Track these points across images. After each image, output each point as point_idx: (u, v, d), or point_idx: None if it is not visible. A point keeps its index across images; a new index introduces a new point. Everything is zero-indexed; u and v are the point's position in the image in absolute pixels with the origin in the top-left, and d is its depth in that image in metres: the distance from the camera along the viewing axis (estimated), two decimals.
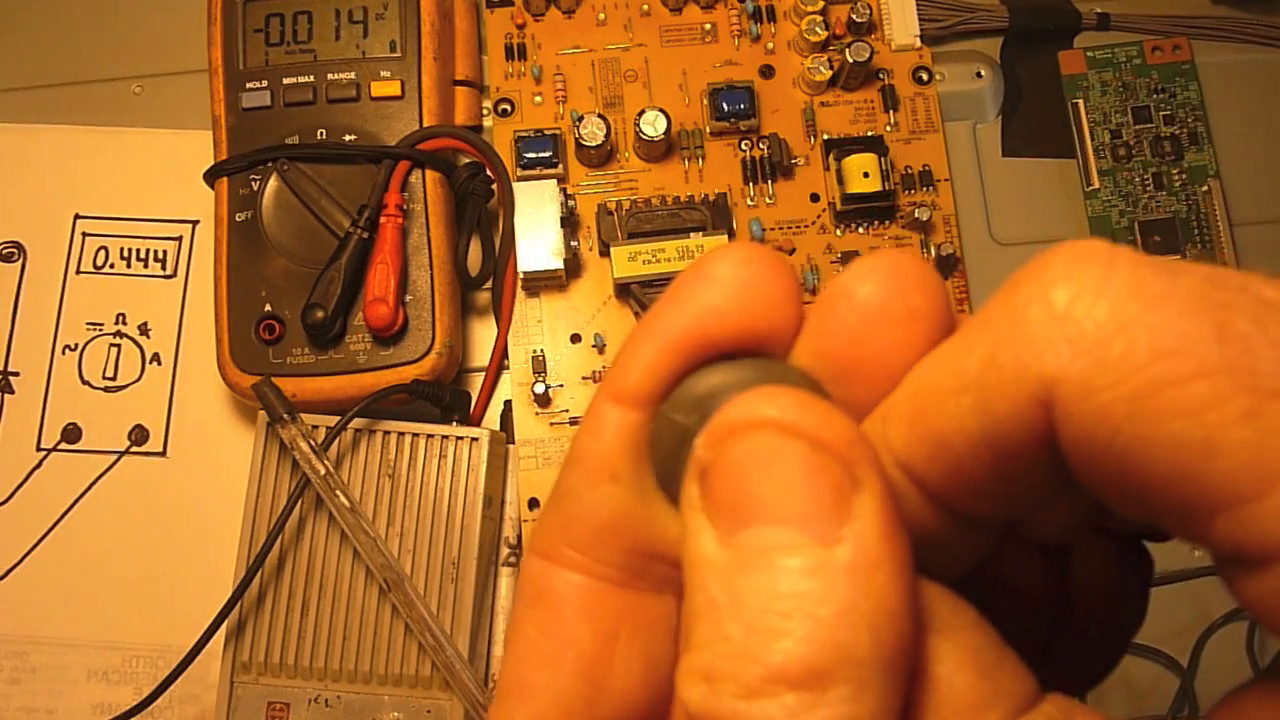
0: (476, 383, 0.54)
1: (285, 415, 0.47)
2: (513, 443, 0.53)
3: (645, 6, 0.58)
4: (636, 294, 0.53)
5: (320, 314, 0.49)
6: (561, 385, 0.54)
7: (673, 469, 0.18)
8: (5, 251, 0.57)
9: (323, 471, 0.47)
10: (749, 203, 0.56)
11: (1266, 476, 0.13)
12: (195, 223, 0.57)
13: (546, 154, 0.55)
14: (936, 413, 0.16)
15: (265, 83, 0.53)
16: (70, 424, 0.54)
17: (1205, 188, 0.57)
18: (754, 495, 0.16)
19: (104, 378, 0.55)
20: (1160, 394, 0.14)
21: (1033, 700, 0.16)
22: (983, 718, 0.15)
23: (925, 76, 0.57)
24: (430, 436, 0.50)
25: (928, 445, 0.16)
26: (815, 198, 0.56)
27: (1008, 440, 0.15)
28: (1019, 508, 0.17)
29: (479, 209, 0.54)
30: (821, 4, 0.56)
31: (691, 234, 0.53)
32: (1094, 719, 0.15)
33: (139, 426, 0.54)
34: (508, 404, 0.54)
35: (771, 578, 0.15)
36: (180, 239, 0.57)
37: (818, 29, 0.56)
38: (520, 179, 0.54)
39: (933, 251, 0.55)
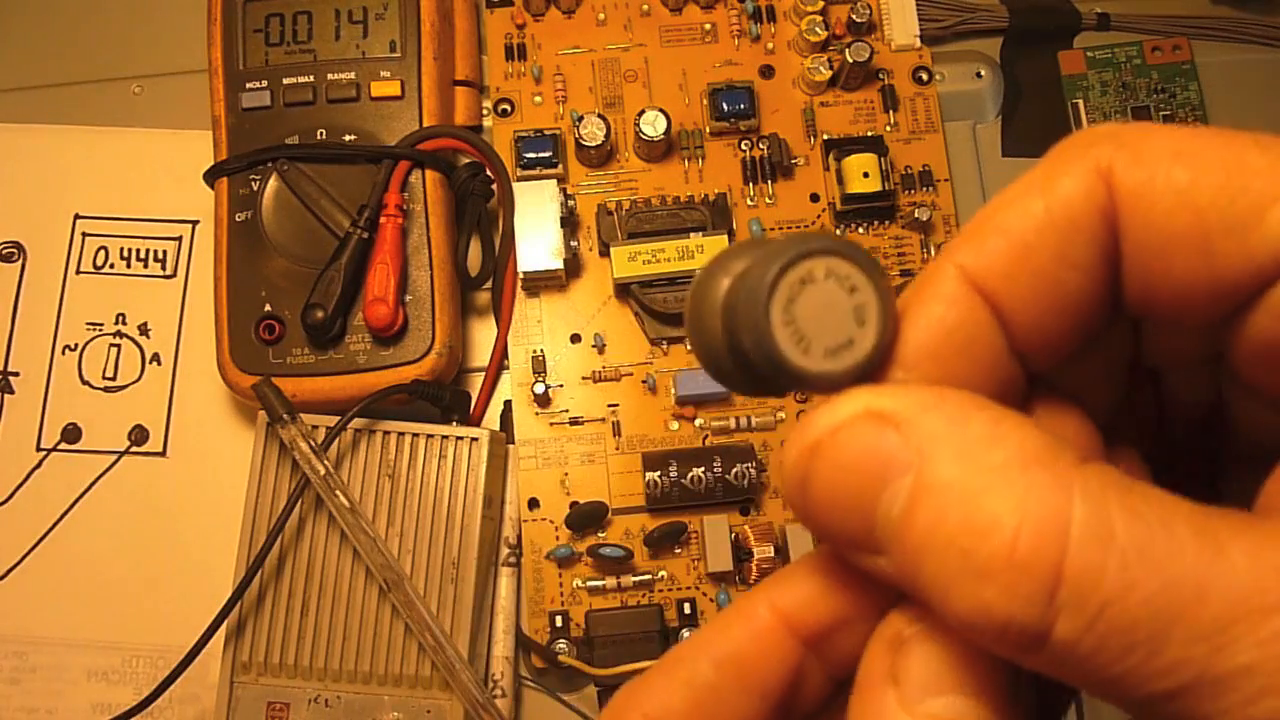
0: (476, 383, 0.54)
1: (285, 415, 0.47)
2: (513, 443, 0.53)
3: (645, 6, 0.58)
4: (636, 294, 0.53)
5: (320, 314, 0.49)
6: (561, 385, 0.54)
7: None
8: (5, 251, 0.57)
9: (323, 471, 0.47)
10: (749, 203, 0.56)
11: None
12: (195, 223, 0.57)
13: (546, 154, 0.55)
14: (1015, 220, 0.18)
15: (265, 83, 0.53)
16: (70, 424, 0.54)
17: None
18: (947, 671, 0.17)
19: (104, 378, 0.55)
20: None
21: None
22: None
23: (925, 76, 0.58)
24: (430, 436, 0.50)
25: (1005, 262, 0.18)
26: (815, 198, 0.56)
27: (1072, 217, 0.18)
28: (1081, 325, 0.19)
29: (479, 209, 0.54)
30: (821, 4, 0.57)
31: (691, 234, 0.53)
32: (1143, 488, 0.16)
33: (139, 426, 0.54)
34: (508, 404, 0.54)
35: None
36: (180, 239, 0.57)
37: (818, 29, 0.56)
38: (520, 179, 0.54)
39: (933, 251, 0.55)
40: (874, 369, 0.19)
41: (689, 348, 0.21)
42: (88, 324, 0.56)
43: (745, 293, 0.19)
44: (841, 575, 0.20)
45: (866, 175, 0.54)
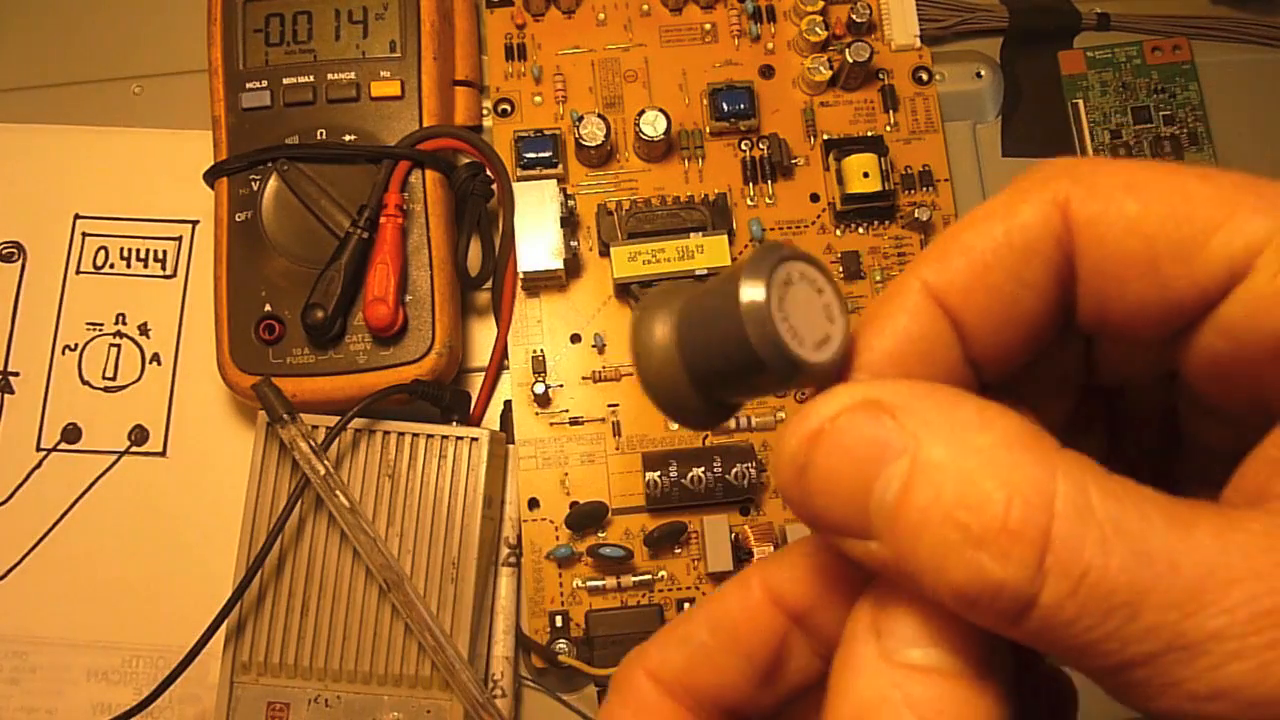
0: (476, 383, 0.54)
1: (285, 415, 0.47)
2: (513, 443, 0.53)
3: (645, 6, 0.58)
4: (636, 294, 0.53)
5: (320, 314, 0.49)
6: (561, 385, 0.54)
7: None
8: (5, 251, 0.57)
9: (323, 471, 0.47)
10: (749, 203, 0.56)
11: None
12: (195, 223, 0.57)
13: (546, 154, 0.55)
14: (976, 240, 0.20)
15: (265, 83, 0.53)
16: (70, 424, 0.54)
17: None
18: (929, 624, 0.19)
19: (104, 378, 0.55)
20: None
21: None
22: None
23: (925, 76, 0.58)
24: (430, 436, 0.50)
25: (966, 277, 0.20)
26: (815, 198, 0.56)
27: (1028, 242, 0.20)
28: (1034, 334, 0.21)
29: (479, 209, 0.54)
30: (821, 4, 0.56)
31: (691, 234, 0.53)
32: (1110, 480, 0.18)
33: (139, 426, 0.54)
34: (508, 404, 0.54)
35: (930, 689, 0.18)
36: (180, 239, 0.57)
37: (818, 29, 0.56)
38: (520, 179, 0.54)
39: None
40: (848, 361, 0.21)
41: (643, 391, 0.23)
42: (88, 324, 0.56)
43: (732, 303, 0.20)
44: (828, 560, 0.22)
45: (866, 175, 0.54)
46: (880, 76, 0.57)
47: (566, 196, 0.53)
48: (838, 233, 0.56)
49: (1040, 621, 0.17)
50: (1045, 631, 0.17)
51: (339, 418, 0.48)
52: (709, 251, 0.52)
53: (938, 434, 0.18)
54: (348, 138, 0.52)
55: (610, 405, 0.53)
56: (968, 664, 0.18)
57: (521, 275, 0.53)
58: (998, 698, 0.18)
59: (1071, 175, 0.20)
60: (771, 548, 0.50)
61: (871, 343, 0.21)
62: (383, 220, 0.50)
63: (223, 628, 0.47)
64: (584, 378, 0.54)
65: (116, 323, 0.56)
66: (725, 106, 0.55)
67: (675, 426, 0.53)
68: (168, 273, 0.56)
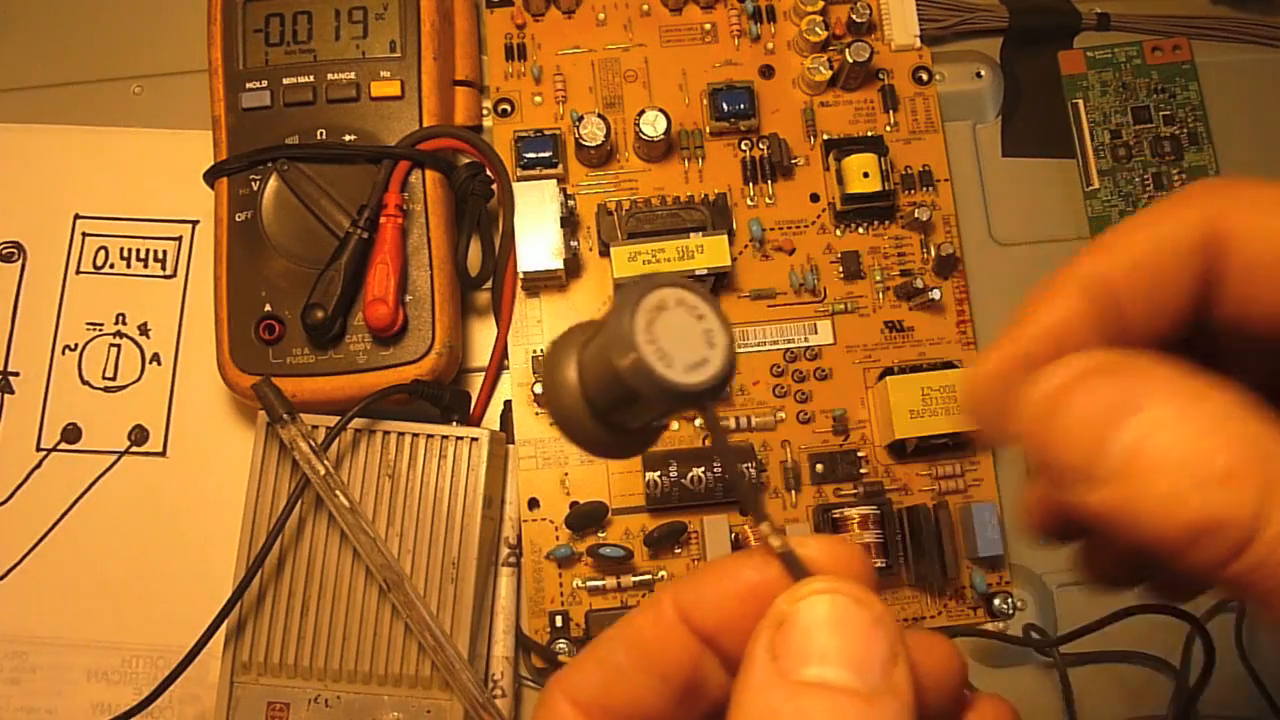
0: (476, 383, 0.54)
1: (285, 415, 0.47)
2: (513, 443, 0.53)
3: (645, 6, 0.58)
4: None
5: (320, 314, 0.49)
6: None
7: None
8: (5, 251, 0.57)
9: (323, 471, 0.47)
10: (749, 203, 0.56)
11: None
12: (195, 223, 0.57)
13: (546, 154, 0.55)
14: (1141, 243, 0.25)
15: (265, 83, 0.53)
16: (70, 424, 0.54)
17: None
18: (822, 642, 0.20)
19: (104, 378, 0.55)
20: None
21: None
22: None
23: (925, 76, 0.58)
24: (430, 436, 0.50)
25: (1130, 269, 0.25)
26: (815, 198, 0.56)
27: (1177, 242, 0.24)
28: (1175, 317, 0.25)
29: (479, 209, 0.54)
30: (821, 4, 0.56)
31: (691, 234, 0.53)
32: None
33: (139, 426, 0.54)
34: (508, 404, 0.54)
35: (821, 703, 0.19)
36: (180, 239, 0.57)
37: (818, 29, 0.56)
38: (520, 179, 0.54)
39: (933, 251, 0.55)
40: (725, 383, 0.22)
41: (554, 425, 0.25)
42: (88, 324, 0.56)
43: (608, 333, 0.22)
44: (736, 583, 0.23)
45: (866, 175, 0.54)
46: (880, 76, 0.57)
47: (566, 196, 0.53)
48: (838, 233, 0.56)
49: (1255, 558, 0.19)
50: (1256, 569, 0.19)
51: (339, 418, 0.48)
52: (709, 252, 0.52)
53: (1169, 398, 0.20)
54: (348, 138, 0.52)
55: None
56: (865, 681, 0.20)
57: (521, 275, 0.53)
58: (897, 716, 0.20)
59: (1228, 193, 0.24)
60: None
61: (1038, 318, 0.24)
62: (383, 220, 0.50)
63: (223, 628, 0.47)
64: None
65: (116, 323, 0.56)
66: (725, 106, 0.55)
67: (676, 426, 0.53)
68: (168, 273, 0.56)
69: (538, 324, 0.54)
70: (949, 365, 0.53)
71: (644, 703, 0.23)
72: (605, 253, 0.54)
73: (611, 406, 0.23)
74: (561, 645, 0.50)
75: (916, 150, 0.57)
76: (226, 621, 0.47)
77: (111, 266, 0.56)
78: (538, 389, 0.53)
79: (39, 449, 0.54)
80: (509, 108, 0.57)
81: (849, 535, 0.51)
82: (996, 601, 0.52)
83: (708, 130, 0.56)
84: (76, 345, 0.55)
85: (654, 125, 0.54)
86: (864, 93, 0.57)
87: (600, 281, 0.55)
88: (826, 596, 0.21)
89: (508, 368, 0.54)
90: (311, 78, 0.53)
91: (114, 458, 0.54)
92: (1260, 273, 0.24)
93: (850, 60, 0.55)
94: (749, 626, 0.22)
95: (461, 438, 0.50)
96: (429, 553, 0.48)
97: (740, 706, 0.20)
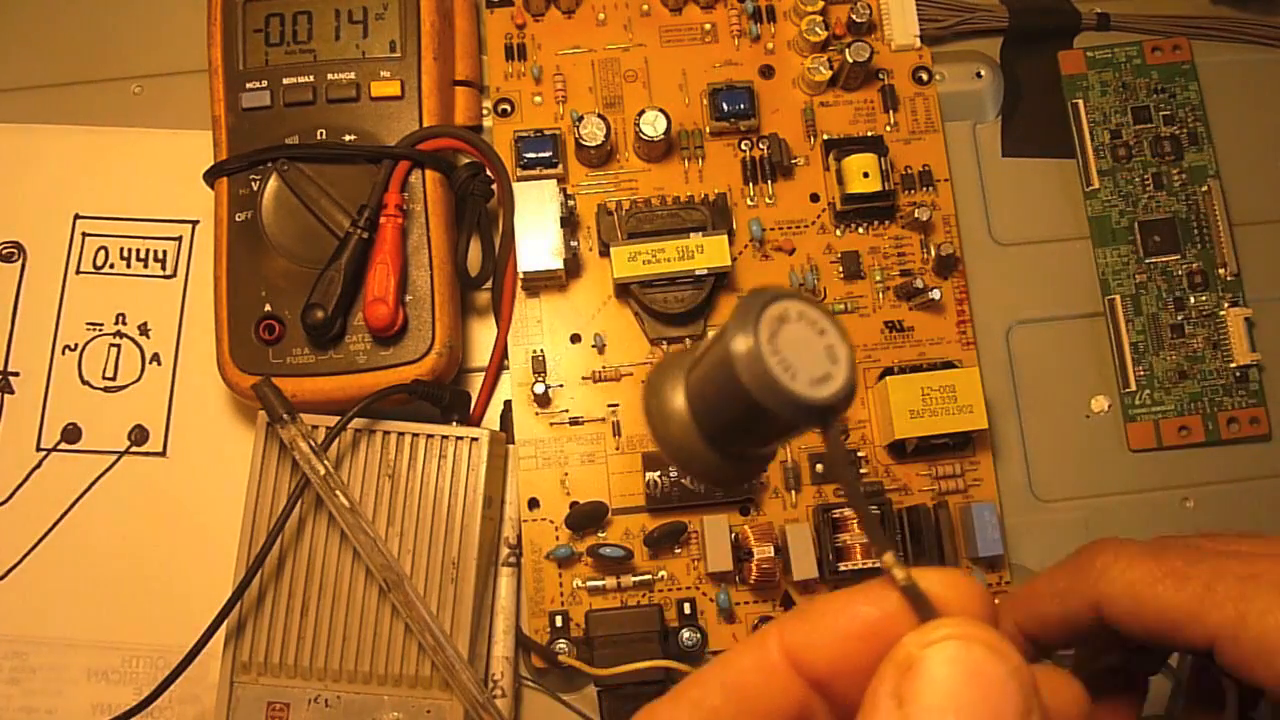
0: (476, 383, 0.54)
1: (285, 415, 0.47)
2: (513, 443, 0.53)
3: (645, 6, 0.58)
4: (636, 294, 0.53)
5: (320, 314, 0.49)
6: (561, 385, 0.54)
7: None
8: (5, 251, 0.57)
9: (323, 471, 0.47)
10: (749, 203, 0.56)
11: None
12: (195, 223, 0.57)
13: (546, 154, 0.55)
14: (1042, 601, 0.32)
15: (265, 83, 0.53)
16: (70, 424, 0.54)
17: (1205, 188, 0.57)
18: (955, 695, 0.18)
19: (104, 378, 0.55)
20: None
21: None
22: None
23: (925, 76, 0.57)
24: (430, 436, 0.50)
25: (1035, 619, 0.33)
26: (815, 198, 0.56)
27: (1077, 613, 0.31)
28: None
29: (479, 209, 0.54)
30: (821, 4, 0.56)
31: (691, 234, 0.53)
32: None
33: (139, 426, 0.54)
34: (508, 404, 0.54)
35: None
36: (180, 239, 0.57)
37: (818, 29, 0.56)
38: (520, 179, 0.54)
39: (933, 251, 0.55)
40: (850, 399, 0.21)
41: (664, 456, 0.24)
42: (88, 324, 0.56)
43: (725, 348, 0.20)
44: (855, 620, 0.21)
45: (866, 175, 0.54)
46: (880, 76, 0.57)
47: (566, 196, 0.53)
48: (838, 233, 0.56)
49: None
50: None
51: (339, 418, 0.48)
52: (709, 251, 0.52)
53: None
54: (348, 138, 0.52)
55: (610, 405, 0.53)
56: None
57: (521, 275, 0.53)
58: None
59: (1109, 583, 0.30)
60: (771, 548, 0.50)
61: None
62: (383, 220, 0.50)
63: (223, 628, 0.47)
64: (584, 378, 0.54)
65: (116, 323, 0.56)
66: (725, 106, 0.55)
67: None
68: (168, 273, 0.56)
69: (538, 324, 0.54)
70: (949, 365, 0.53)
71: None
72: (605, 253, 0.54)
73: (728, 430, 0.22)
74: (561, 645, 0.50)
75: (916, 150, 0.57)
76: (226, 621, 0.47)
77: (111, 266, 0.56)
78: (538, 389, 0.53)
79: (39, 449, 0.54)
80: (509, 108, 0.57)
81: (849, 535, 0.51)
82: (997, 601, 0.52)
83: (708, 130, 0.56)
84: (76, 345, 0.55)
85: (654, 125, 0.54)
86: (864, 93, 0.57)
87: (600, 281, 0.55)
88: (959, 642, 0.19)
89: (508, 368, 0.54)
90: (311, 78, 0.53)
91: (114, 458, 0.54)
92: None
93: (850, 60, 0.55)
94: (867, 670, 0.20)
95: (461, 438, 0.50)
96: (429, 553, 0.48)
97: None
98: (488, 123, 0.57)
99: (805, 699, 0.21)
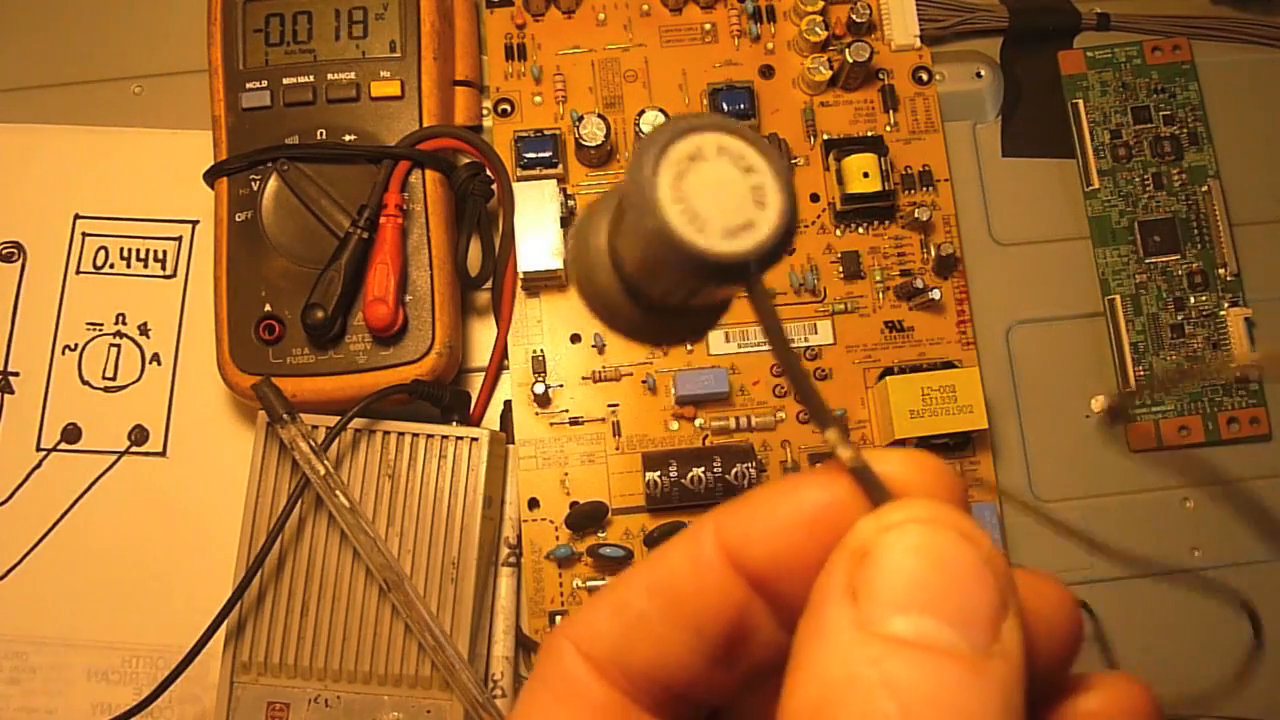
0: (476, 383, 0.54)
1: (285, 415, 0.47)
2: (513, 443, 0.53)
3: (645, 6, 0.58)
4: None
5: (320, 314, 0.49)
6: (561, 385, 0.54)
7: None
8: (5, 251, 0.57)
9: (323, 471, 0.47)
10: None
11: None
12: (195, 223, 0.57)
13: (546, 154, 0.55)
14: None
15: (265, 83, 0.53)
16: (70, 424, 0.54)
17: (1205, 188, 0.57)
18: (918, 585, 0.15)
19: (104, 378, 0.55)
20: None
21: None
22: None
23: (925, 76, 0.57)
24: (430, 436, 0.50)
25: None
26: (815, 198, 0.56)
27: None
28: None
29: (479, 209, 0.54)
30: (821, 4, 0.56)
31: None
32: None
33: (139, 426, 0.54)
34: (508, 404, 0.54)
35: (914, 669, 0.15)
36: (180, 239, 0.57)
37: (818, 29, 0.56)
38: (520, 179, 0.54)
39: (933, 251, 0.55)
40: (775, 252, 0.17)
41: (584, 305, 0.20)
42: (88, 324, 0.56)
43: (631, 184, 0.17)
44: (803, 507, 0.18)
45: (866, 175, 0.54)
46: (880, 76, 0.57)
47: (566, 196, 0.53)
48: (838, 233, 0.56)
49: None
50: None
51: (339, 418, 0.48)
52: None
53: None
54: (348, 138, 0.52)
55: (610, 405, 0.53)
56: (970, 640, 0.15)
57: (521, 275, 0.53)
58: (1005, 686, 0.15)
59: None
60: None
61: None
62: (383, 220, 0.50)
63: (223, 628, 0.47)
64: (584, 378, 0.54)
65: (116, 323, 0.56)
66: (725, 106, 0.55)
67: (676, 426, 0.53)
68: (168, 273, 0.56)
69: (538, 324, 0.54)
70: (949, 365, 0.53)
71: (671, 660, 0.18)
72: None
73: (643, 281, 0.19)
74: None
75: (916, 150, 0.57)
76: (226, 621, 0.47)
77: (111, 266, 0.56)
78: (538, 389, 0.53)
79: (39, 449, 0.54)
80: (509, 108, 0.57)
81: None
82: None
83: None
84: (76, 345, 0.55)
85: (654, 125, 0.54)
86: (864, 93, 0.57)
87: None
88: (923, 526, 0.16)
89: (508, 368, 0.54)
90: (311, 78, 0.53)
91: (114, 458, 0.54)
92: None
93: (850, 60, 0.55)
94: (814, 564, 0.17)
95: (461, 438, 0.50)
96: (429, 553, 0.48)
97: (806, 666, 0.16)
98: (488, 123, 0.57)
99: (744, 601, 0.18)
